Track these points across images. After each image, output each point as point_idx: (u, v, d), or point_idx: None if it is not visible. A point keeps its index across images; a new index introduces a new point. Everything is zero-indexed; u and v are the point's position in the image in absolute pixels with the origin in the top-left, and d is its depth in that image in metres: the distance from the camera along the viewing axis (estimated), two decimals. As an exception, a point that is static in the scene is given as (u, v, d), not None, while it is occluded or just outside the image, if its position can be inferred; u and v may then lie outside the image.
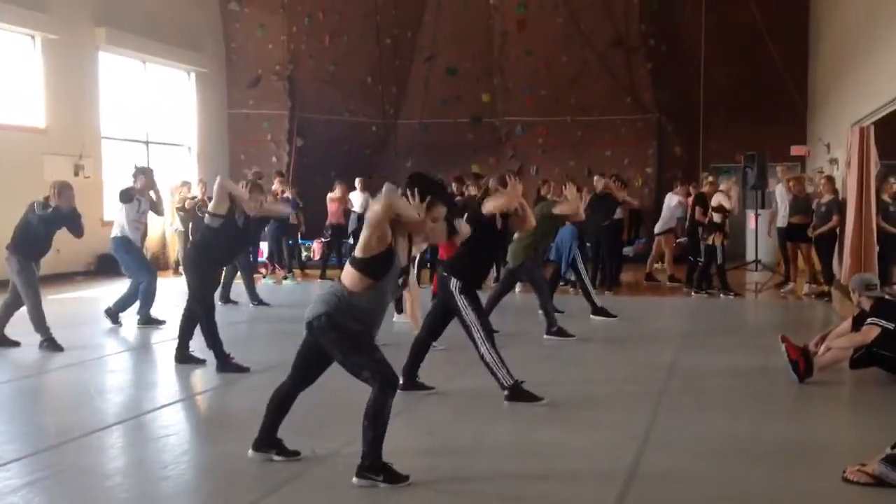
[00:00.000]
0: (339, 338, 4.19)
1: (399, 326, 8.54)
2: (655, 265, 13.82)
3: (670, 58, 17.84)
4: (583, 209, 9.32)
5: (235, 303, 10.73)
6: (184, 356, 7.03)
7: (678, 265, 13.30)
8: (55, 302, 10.87)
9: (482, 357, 5.82)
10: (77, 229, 7.95)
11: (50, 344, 7.68)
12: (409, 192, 4.40)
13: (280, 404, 4.51)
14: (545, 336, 8.32)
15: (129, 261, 9.16)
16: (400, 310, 8.89)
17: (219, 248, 6.93)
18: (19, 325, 7.96)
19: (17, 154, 12.70)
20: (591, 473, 4.42)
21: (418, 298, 8.09)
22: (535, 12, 17.79)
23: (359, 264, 4.21)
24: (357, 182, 14.37)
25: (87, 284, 13.06)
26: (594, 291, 10.11)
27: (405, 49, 18.90)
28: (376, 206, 4.17)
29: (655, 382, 6.42)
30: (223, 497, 4.18)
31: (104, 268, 13.61)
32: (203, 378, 6.81)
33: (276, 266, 13.89)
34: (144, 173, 9.36)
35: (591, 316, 9.66)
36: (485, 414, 5.67)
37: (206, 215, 7.06)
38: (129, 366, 7.61)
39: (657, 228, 13.18)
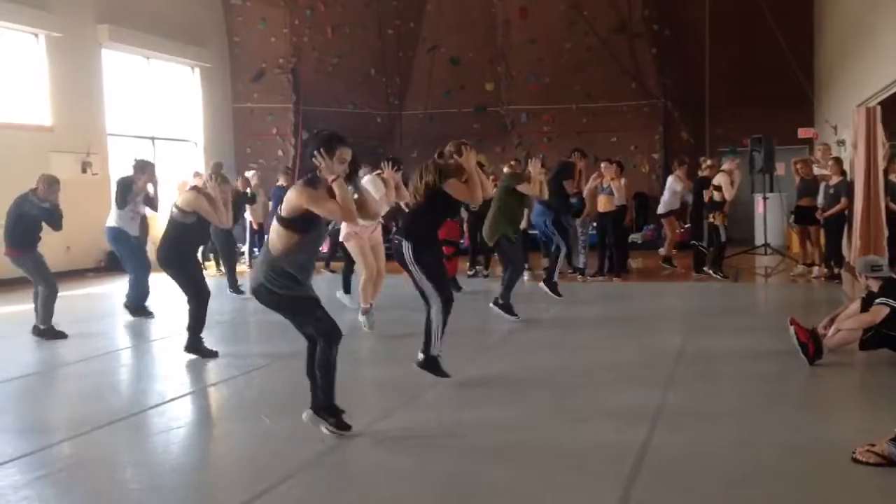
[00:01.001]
0: (280, 301, 4.58)
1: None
2: (661, 250, 13.80)
3: (675, 42, 17.77)
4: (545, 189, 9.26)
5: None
6: (195, 348, 7.09)
7: (683, 251, 13.25)
8: (66, 298, 10.94)
9: (428, 320, 5.85)
10: (58, 224, 8.14)
11: (52, 332, 7.90)
12: (317, 156, 4.49)
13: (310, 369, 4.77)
14: (490, 304, 8.39)
15: (122, 251, 9.28)
16: (348, 290, 8.92)
17: (188, 241, 7.14)
18: (30, 319, 8.02)
19: (23, 152, 12.75)
20: (601, 458, 4.43)
21: (371, 277, 8.04)
22: (538, 0, 17.73)
23: (284, 222, 4.52)
24: (362, 172, 14.29)
25: (97, 281, 13.12)
26: (557, 268, 9.94)
27: (408, 40, 18.86)
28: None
29: (664, 367, 6.42)
30: (235, 486, 4.20)
31: (114, 264, 13.65)
32: (214, 370, 6.84)
33: None
34: (146, 169, 9.37)
35: (541, 284, 9.79)
36: (492, 399, 5.68)
37: (177, 210, 7.12)
38: (139, 360, 7.66)
39: (660, 210, 13.11)
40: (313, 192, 4.51)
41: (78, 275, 13.16)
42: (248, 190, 12.78)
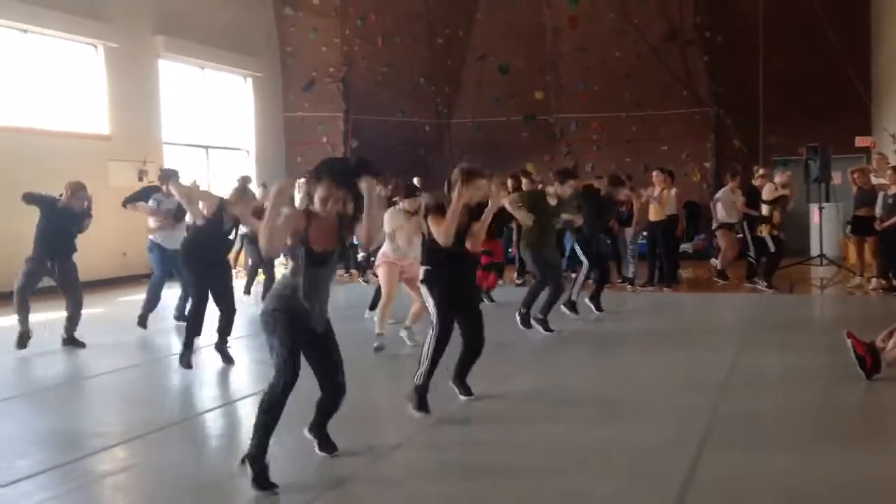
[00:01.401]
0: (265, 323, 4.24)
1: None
2: (714, 261, 13.59)
3: (727, 49, 17.51)
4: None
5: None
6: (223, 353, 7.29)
7: (736, 262, 13.03)
8: (121, 304, 11.18)
9: (425, 344, 5.53)
10: (82, 226, 8.27)
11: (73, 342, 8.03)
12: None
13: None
14: (517, 313, 8.32)
15: (150, 259, 9.51)
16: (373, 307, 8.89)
17: (203, 247, 7.21)
18: (85, 325, 8.20)
19: (83, 161, 13.06)
20: (650, 473, 4.37)
21: (391, 302, 7.84)
22: (588, 8, 17.64)
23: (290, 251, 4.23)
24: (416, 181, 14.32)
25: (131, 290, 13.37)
26: (578, 289, 9.57)
27: (457, 49, 18.92)
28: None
29: (715, 379, 6.31)
30: (286, 494, 4.23)
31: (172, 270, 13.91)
32: (259, 378, 6.92)
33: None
34: (171, 177, 9.48)
35: (562, 306, 9.22)
36: (541, 414, 5.65)
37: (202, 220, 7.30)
38: (153, 375, 7.67)
39: (716, 223, 12.90)
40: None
41: (133, 280, 13.42)
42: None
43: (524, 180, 12.46)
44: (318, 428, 4.61)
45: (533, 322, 8.33)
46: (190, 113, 16.33)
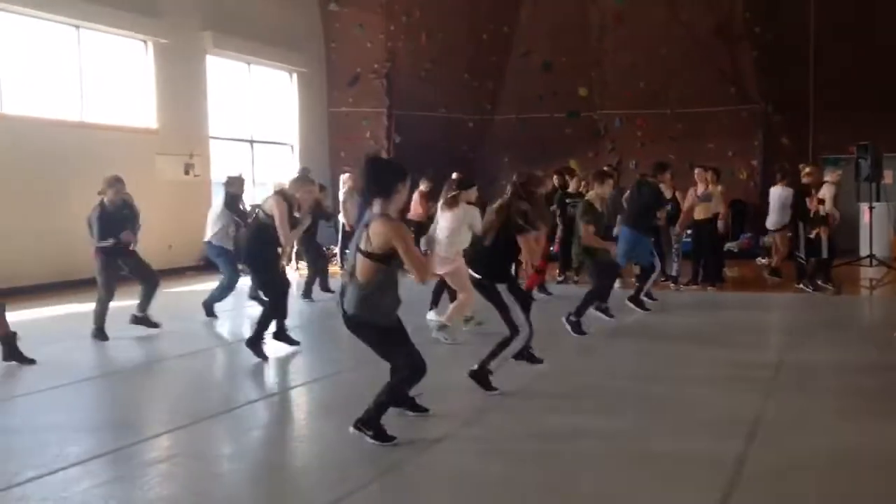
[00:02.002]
0: (370, 334, 4.69)
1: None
2: (761, 260, 13.41)
3: (777, 45, 17.20)
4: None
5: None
6: (253, 344, 7.25)
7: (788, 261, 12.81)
8: (167, 295, 11.36)
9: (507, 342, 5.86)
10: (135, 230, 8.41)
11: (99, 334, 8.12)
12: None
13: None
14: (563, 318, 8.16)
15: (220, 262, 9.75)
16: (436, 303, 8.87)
17: (270, 241, 7.27)
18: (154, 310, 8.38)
19: (131, 154, 13.29)
20: (695, 468, 4.33)
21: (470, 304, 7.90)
22: (634, 4, 17.48)
23: (367, 255, 4.55)
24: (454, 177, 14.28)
25: (197, 279, 13.55)
26: (646, 287, 9.73)
27: (501, 44, 18.86)
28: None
29: (761, 378, 6.23)
30: (321, 486, 4.26)
31: (213, 263, 14.08)
32: (301, 370, 7.00)
33: None
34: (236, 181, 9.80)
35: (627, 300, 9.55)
36: (582, 406, 5.63)
37: (263, 213, 7.32)
38: (233, 357, 7.84)
39: (771, 224, 12.63)
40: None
41: (178, 273, 13.63)
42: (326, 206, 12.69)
43: (568, 177, 12.37)
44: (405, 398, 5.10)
45: (584, 327, 8.24)
46: (236, 108, 16.52)
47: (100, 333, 8.10)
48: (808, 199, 11.22)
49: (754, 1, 17.28)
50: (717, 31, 17.23)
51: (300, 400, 6.28)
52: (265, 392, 6.34)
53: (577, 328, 8.08)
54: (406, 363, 4.69)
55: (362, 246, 4.55)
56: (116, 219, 8.09)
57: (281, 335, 7.53)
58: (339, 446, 4.74)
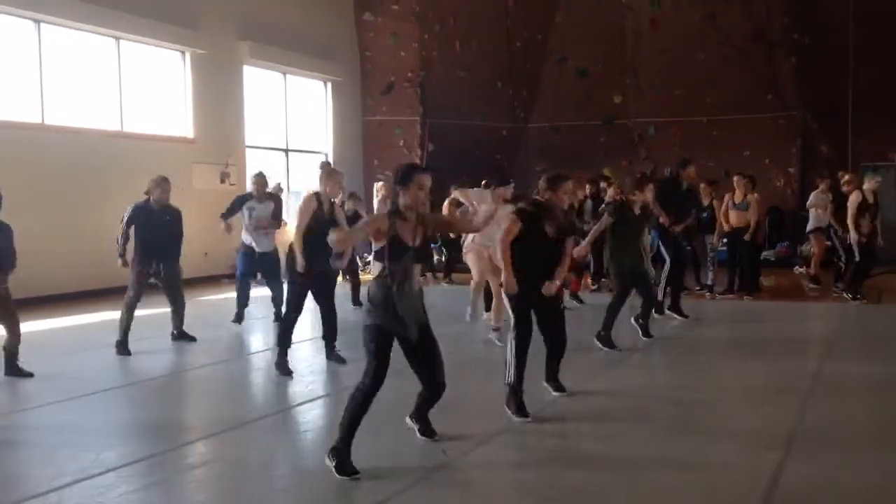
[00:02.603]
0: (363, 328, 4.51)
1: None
2: (799, 269, 13.21)
3: (816, 51, 16.96)
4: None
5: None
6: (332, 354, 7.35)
7: (825, 268, 12.63)
8: (203, 303, 11.50)
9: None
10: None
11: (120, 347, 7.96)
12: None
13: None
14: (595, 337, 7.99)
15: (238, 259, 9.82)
16: (488, 308, 8.90)
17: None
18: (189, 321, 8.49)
19: (168, 163, 13.44)
20: (729, 481, 4.27)
21: (481, 286, 8.21)
22: (670, 10, 17.34)
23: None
24: (483, 184, 14.28)
25: (232, 287, 13.68)
26: (661, 288, 9.63)
27: (536, 52, 18.84)
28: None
29: (798, 390, 6.13)
30: (363, 490, 4.27)
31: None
32: (345, 375, 7.02)
33: None
34: (258, 177, 9.84)
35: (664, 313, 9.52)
36: (617, 415, 5.59)
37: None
38: (269, 364, 7.88)
39: (809, 227, 12.54)
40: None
41: (213, 280, 13.78)
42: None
43: (604, 185, 12.32)
44: (420, 415, 4.93)
45: (615, 342, 8.17)
46: (271, 116, 16.68)
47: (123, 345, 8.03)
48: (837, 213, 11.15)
49: (793, 7, 17.06)
50: (754, 37, 17.04)
51: (335, 408, 6.31)
52: (308, 396, 6.37)
53: (646, 332, 8.19)
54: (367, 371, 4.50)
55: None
56: (158, 221, 8.05)
57: (331, 355, 7.50)
58: (378, 452, 4.76)
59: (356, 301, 10.89)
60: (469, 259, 8.59)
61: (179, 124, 14.48)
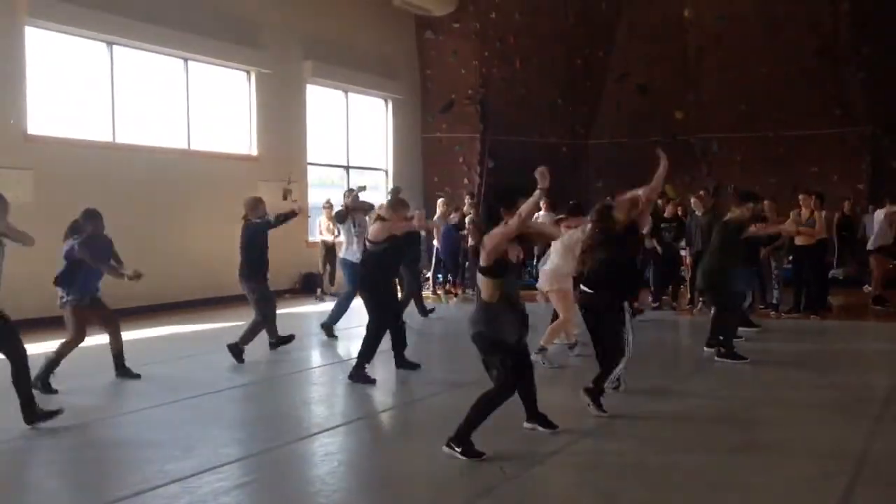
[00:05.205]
0: (483, 344, 4.95)
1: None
2: (868, 288, 12.84)
3: (886, 65, 16.52)
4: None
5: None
6: (357, 374, 7.28)
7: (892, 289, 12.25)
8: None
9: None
10: (280, 221, 8.79)
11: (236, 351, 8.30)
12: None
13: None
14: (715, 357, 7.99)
15: (343, 276, 10.18)
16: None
17: (383, 269, 7.50)
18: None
19: (234, 180, 13.76)
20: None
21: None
22: (734, 24, 17.12)
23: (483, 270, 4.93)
24: (542, 203, 14.26)
25: (292, 302, 13.87)
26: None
27: (597, 68, 18.76)
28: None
29: (869, 410, 5.96)
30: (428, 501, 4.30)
31: (308, 286, 14.42)
32: (399, 392, 7.06)
33: (453, 284, 14.21)
34: (350, 194, 10.26)
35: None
36: (683, 430, 5.50)
37: (369, 243, 7.53)
38: (330, 378, 7.97)
39: (869, 245, 12.21)
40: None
41: (276, 296, 13.95)
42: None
43: (662, 202, 12.18)
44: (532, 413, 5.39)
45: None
46: (332, 134, 16.91)
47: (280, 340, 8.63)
48: None
49: (860, 21, 16.68)
50: (819, 52, 16.69)
51: (395, 420, 6.34)
52: (358, 414, 6.41)
53: (733, 356, 7.98)
54: (500, 380, 4.89)
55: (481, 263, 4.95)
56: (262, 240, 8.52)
57: (402, 362, 7.65)
58: (432, 466, 4.77)
59: (423, 311, 11.27)
60: (554, 297, 8.14)
61: (244, 142, 14.79)
